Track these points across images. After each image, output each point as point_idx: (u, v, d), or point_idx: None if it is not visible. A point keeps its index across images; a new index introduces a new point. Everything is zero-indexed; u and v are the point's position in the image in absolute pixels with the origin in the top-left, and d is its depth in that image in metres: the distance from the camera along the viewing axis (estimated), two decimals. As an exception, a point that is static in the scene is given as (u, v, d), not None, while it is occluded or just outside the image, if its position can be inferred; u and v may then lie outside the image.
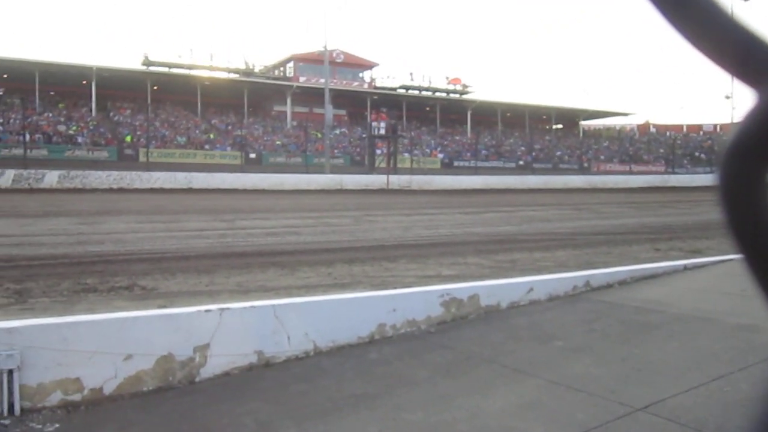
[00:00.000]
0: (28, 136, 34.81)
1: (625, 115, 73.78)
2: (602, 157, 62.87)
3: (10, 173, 23.77)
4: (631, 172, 48.15)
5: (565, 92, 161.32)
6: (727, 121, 61.71)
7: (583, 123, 74.87)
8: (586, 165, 55.95)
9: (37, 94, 46.84)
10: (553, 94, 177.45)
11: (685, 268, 7.72)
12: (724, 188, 0.41)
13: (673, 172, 49.33)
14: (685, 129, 78.52)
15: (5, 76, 47.56)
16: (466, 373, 4.28)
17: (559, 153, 61.92)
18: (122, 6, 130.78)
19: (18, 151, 32.79)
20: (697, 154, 65.68)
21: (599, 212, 19.08)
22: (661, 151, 66.20)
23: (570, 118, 71.72)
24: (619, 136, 75.15)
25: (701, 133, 77.17)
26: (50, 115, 46.82)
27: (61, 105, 49.56)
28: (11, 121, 42.69)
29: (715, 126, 76.52)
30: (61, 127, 44.78)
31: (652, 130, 78.38)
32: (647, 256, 9.33)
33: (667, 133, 75.23)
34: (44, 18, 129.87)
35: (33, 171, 24.53)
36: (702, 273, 7.59)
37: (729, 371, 4.10)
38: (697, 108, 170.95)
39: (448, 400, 3.81)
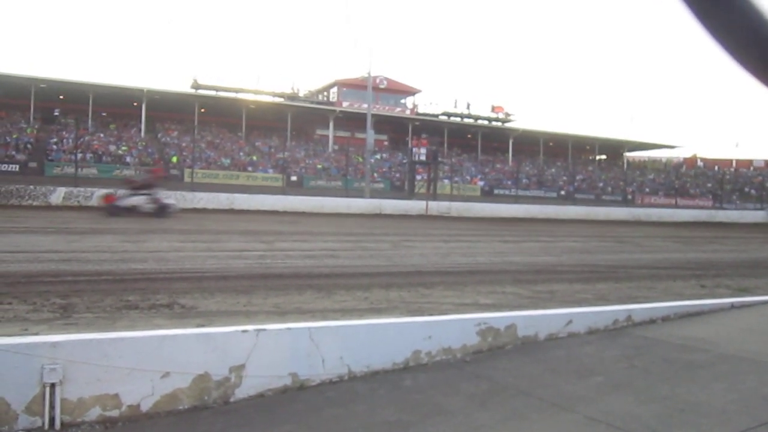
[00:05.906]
0: (79, 155, 35.99)
1: (671, 147, 72.40)
2: (647, 190, 61.63)
3: (62, 191, 24.53)
4: (676, 206, 46.96)
5: (610, 123, 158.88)
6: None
7: (628, 154, 73.78)
8: (629, 197, 54.87)
9: (90, 114, 48.62)
10: (599, 124, 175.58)
11: (732, 306, 7.47)
12: None
13: (722, 208, 47.87)
14: (734, 164, 76.58)
15: (61, 97, 49.60)
16: (502, 404, 4.20)
17: (601, 184, 61.02)
18: (174, 30, 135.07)
19: (70, 170, 33.93)
20: (746, 189, 63.83)
21: (642, 246, 18.64)
22: (709, 185, 64.62)
23: (614, 149, 70.80)
24: (665, 168, 73.66)
25: (752, 168, 75.17)
26: (102, 135, 48.48)
27: (112, 126, 51.36)
28: (64, 140, 44.34)
29: (766, 162, 74.46)
30: (112, 147, 46.30)
31: (700, 164, 76.70)
32: (692, 293, 9.07)
33: (716, 168, 73.47)
34: (100, 42, 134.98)
35: (83, 189, 25.23)
36: (750, 312, 7.33)
37: (778, 416, 3.92)
38: (749, 143, 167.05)
39: (482, 431, 3.75)
